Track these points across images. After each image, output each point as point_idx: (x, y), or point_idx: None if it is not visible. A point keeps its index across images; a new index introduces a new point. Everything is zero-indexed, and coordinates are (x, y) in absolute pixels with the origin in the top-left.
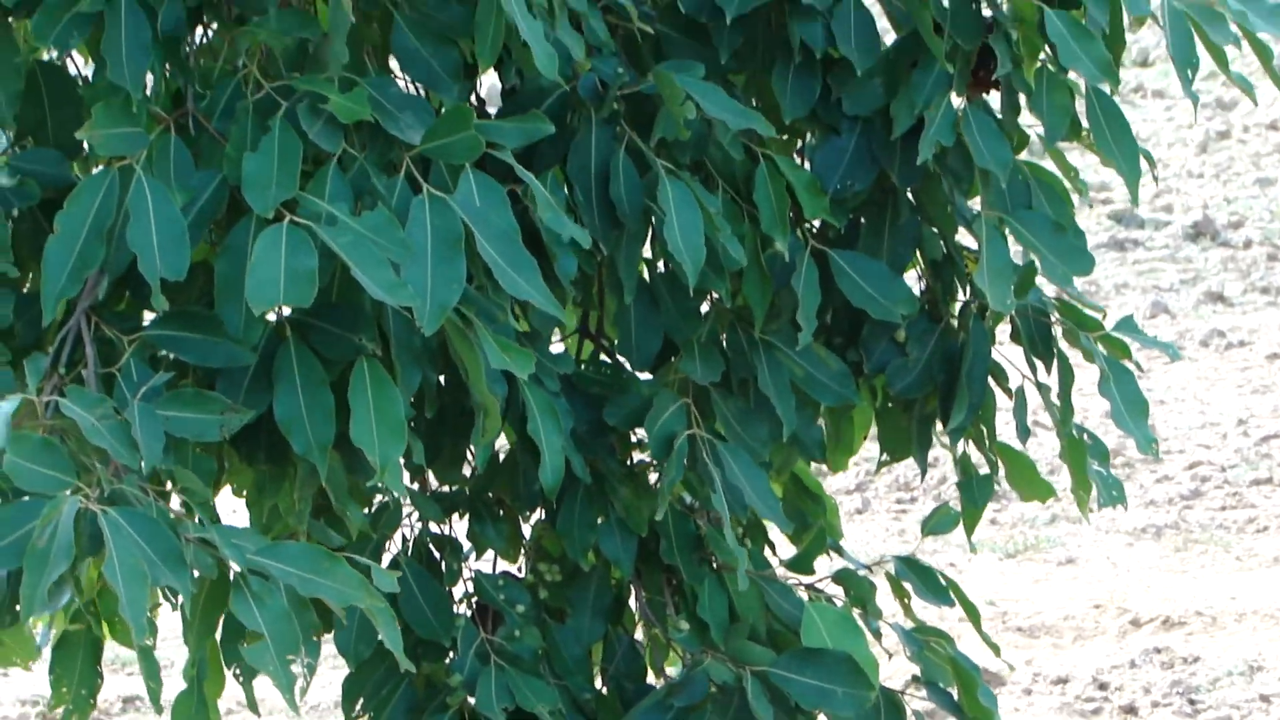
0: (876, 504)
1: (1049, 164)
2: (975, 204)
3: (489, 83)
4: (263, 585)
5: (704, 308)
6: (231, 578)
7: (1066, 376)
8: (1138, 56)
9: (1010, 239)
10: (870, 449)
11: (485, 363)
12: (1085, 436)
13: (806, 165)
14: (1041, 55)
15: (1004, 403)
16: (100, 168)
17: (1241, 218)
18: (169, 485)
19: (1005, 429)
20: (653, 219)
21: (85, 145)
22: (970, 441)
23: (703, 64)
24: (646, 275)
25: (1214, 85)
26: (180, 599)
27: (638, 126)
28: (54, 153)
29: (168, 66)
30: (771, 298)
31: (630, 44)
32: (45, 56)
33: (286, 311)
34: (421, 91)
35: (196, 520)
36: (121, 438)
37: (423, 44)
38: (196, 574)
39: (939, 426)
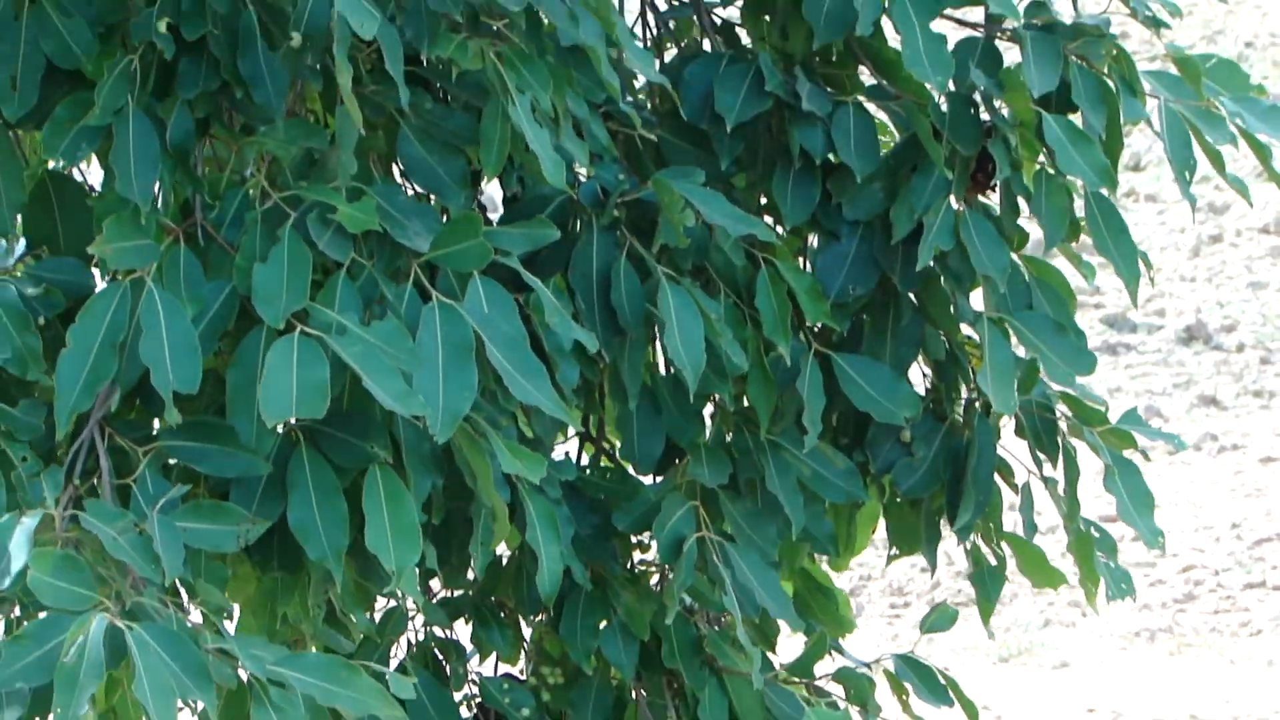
0: (870, 608)
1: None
2: (977, 298)
3: (489, 187)
4: (282, 695)
5: (707, 409)
6: (251, 687)
7: (1073, 471)
8: (1129, 161)
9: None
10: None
11: (493, 468)
12: (1092, 530)
13: (807, 265)
14: (1039, 158)
15: (1009, 497)
16: (108, 280)
17: (1234, 321)
18: (184, 594)
19: (1009, 524)
20: (655, 324)
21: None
22: (979, 536)
23: (703, 170)
24: (648, 379)
25: (1206, 189)
26: (201, 706)
27: (639, 232)
28: (75, 261)
29: (175, 176)
30: (776, 400)
31: (631, 150)
32: (53, 165)
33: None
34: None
35: (215, 631)
36: (143, 552)
37: (429, 152)
38: (217, 685)
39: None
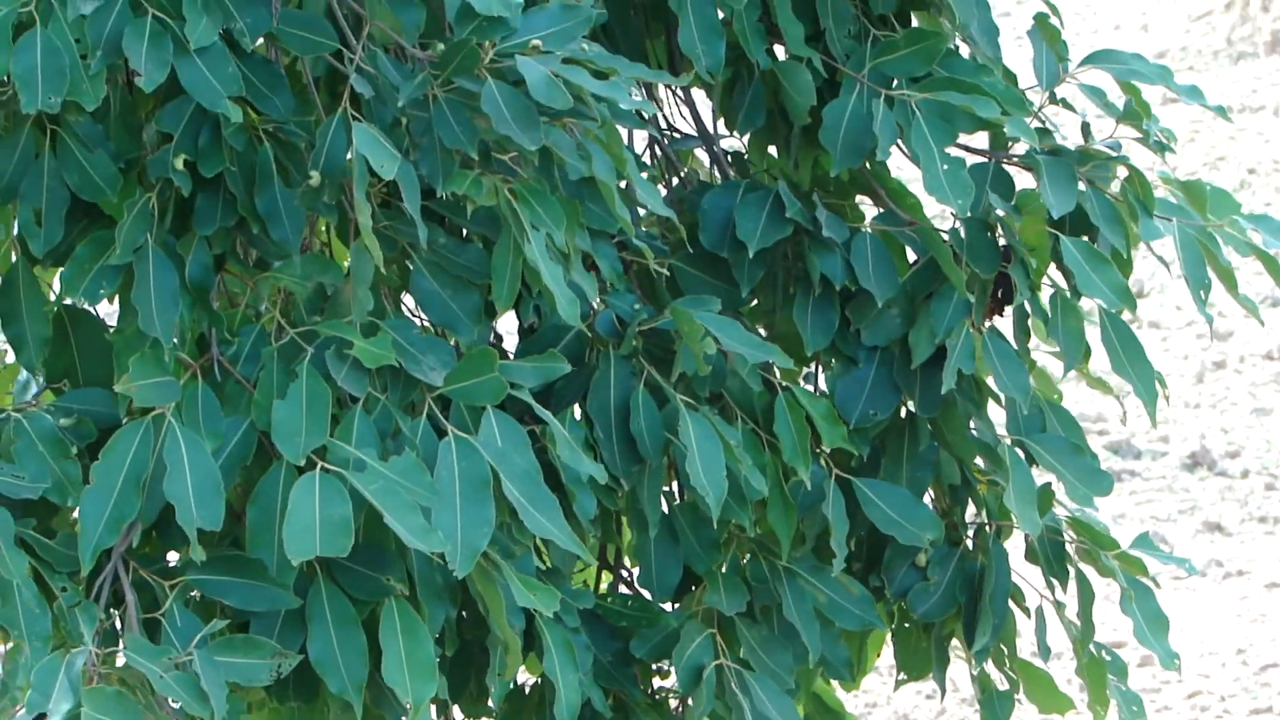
0: None
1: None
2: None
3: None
4: None
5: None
6: None
7: (1086, 594)
8: (1132, 287)
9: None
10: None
11: (507, 599)
12: (1103, 653)
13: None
14: (1049, 280)
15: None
16: (126, 416)
17: (1239, 448)
18: None
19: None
20: (674, 452)
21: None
22: (990, 659)
23: (719, 297)
24: (665, 507)
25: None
26: None
27: (656, 361)
28: (102, 392)
29: (194, 313)
30: (797, 525)
31: (646, 278)
32: (70, 301)
33: None
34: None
35: None
36: (190, 689)
37: (442, 286)
38: None
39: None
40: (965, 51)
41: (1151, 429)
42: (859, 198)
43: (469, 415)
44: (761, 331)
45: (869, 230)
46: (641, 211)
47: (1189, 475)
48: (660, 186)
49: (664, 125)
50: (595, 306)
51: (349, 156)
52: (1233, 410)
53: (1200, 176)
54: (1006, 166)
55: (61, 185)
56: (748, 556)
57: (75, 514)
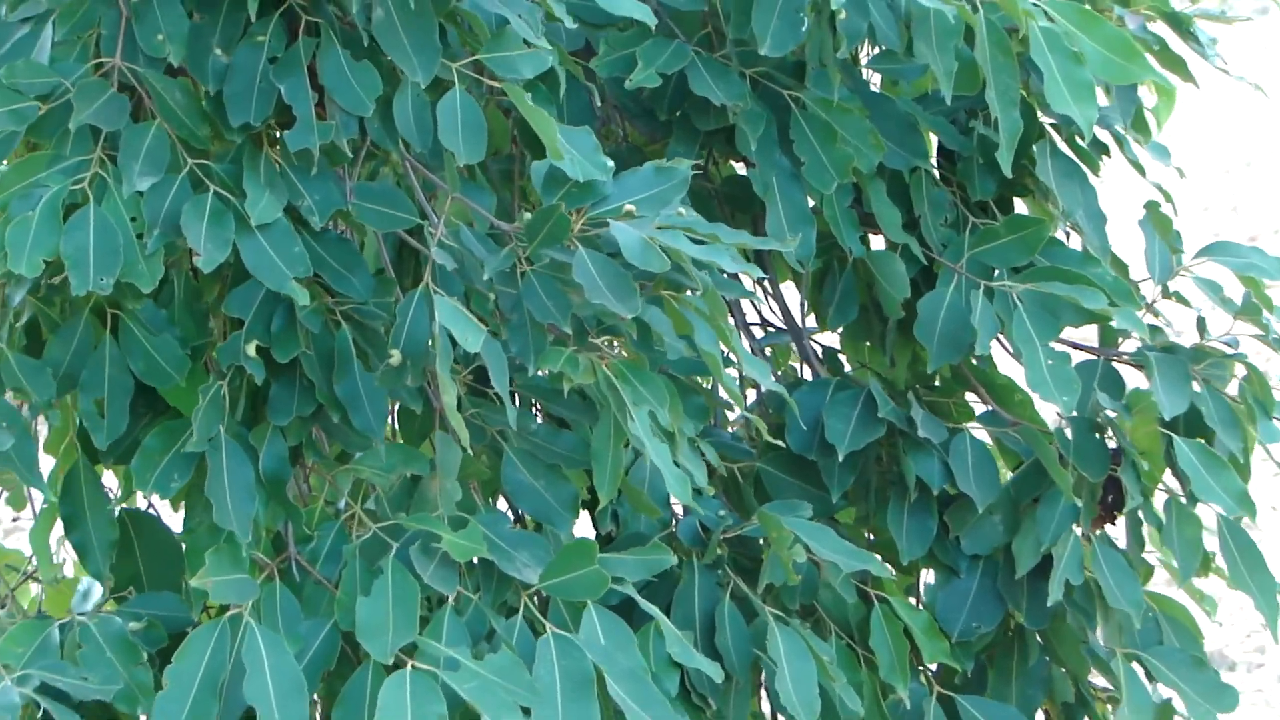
0: None
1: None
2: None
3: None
4: None
5: None
6: None
7: None
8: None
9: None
10: None
11: None
12: None
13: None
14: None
15: None
16: (198, 618)
17: None
18: None
19: None
20: (762, 669)
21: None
22: None
23: (809, 503)
24: None
25: None
26: None
27: (743, 571)
28: (172, 596)
29: (270, 508)
30: None
31: (730, 484)
32: (133, 504)
33: None
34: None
35: None
36: None
37: (535, 477)
38: None
39: None
40: (1074, 241)
41: (1247, 639)
42: (969, 395)
43: (568, 612)
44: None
45: (968, 431)
46: (731, 415)
47: None
48: (748, 390)
49: (754, 318)
50: (679, 512)
51: (432, 334)
52: None
53: None
54: (1116, 364)
55: (124, 373)
56: None
57: None
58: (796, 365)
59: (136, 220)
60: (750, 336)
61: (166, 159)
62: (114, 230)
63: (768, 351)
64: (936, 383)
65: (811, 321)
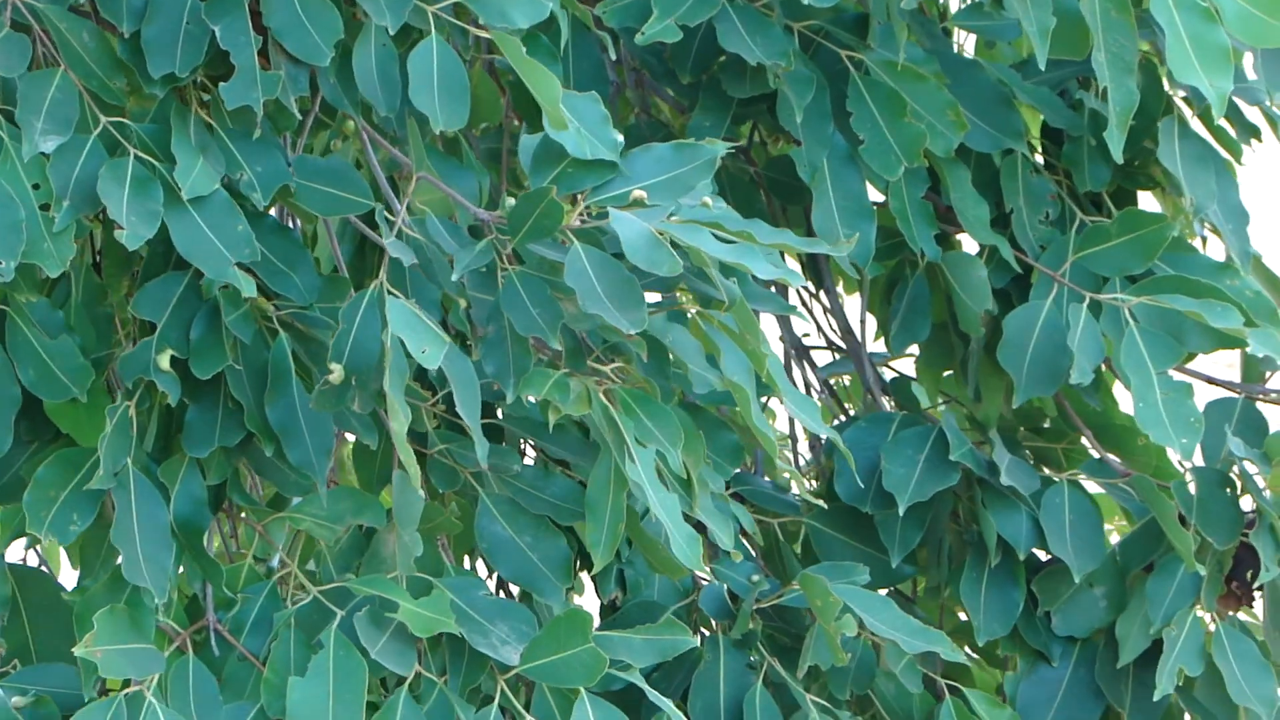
0: None
1: None
2: None
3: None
4: None
5: None
6: None
7: None
8: None
9: None
10: None
11: None
12: None
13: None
14: None
15: None
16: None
17: None
18: None
19: None
20: None
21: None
22: None
23: (866, 566)
24: None
25: None
26: None
27: (780, 651)
28: (65, 668)
29: (183, 563)
30: None
31: (770, 543)
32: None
33: None
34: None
35: None
36: None
37: (518, 532)
38: None
39: None
40: (1214, 247)
41: None
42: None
43: (556, 702)
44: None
45: (1067, 481)
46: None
47: None
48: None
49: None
50: (705, 579)
51: (384, 345)
52: None
53: None
54: (1260, 403)
55: (10, 382)
56: None
57: None
58: (870, 401)
59: (40, 188)
60: (809, 363)
61: (75, 115)
62: (12, 202)
63: (834, 383)
64: (1046, 424)
65: (880, 344)
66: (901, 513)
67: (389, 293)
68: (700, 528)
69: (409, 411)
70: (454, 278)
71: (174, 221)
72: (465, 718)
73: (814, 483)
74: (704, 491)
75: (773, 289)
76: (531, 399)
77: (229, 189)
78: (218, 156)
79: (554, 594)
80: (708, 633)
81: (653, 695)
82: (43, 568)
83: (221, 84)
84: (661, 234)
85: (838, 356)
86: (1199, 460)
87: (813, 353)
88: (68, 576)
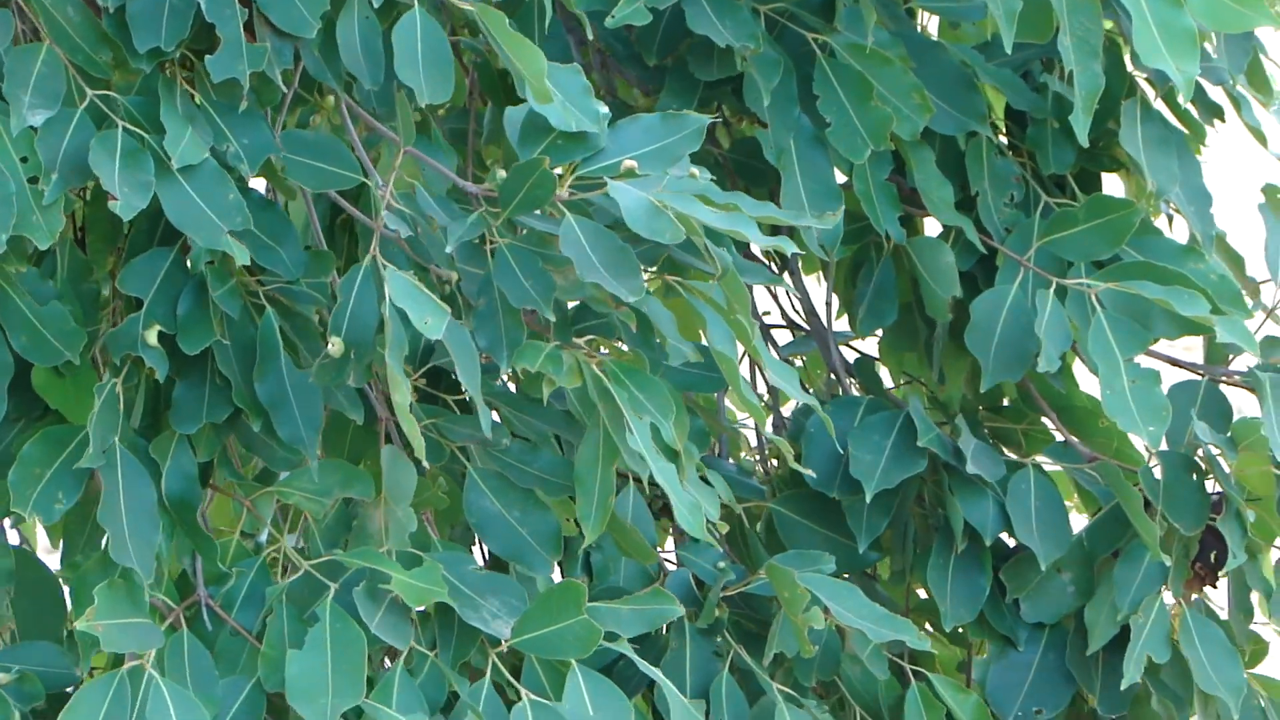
0: None
1: None
2: None
3: None
4: None
5: None
6: None
7: None
8: None
9: None
10: None
11: None
12: None
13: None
14: None
15: None
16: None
17: None
18: None
19: None
20: None
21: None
22: None
23: (833, 554)
24: None
25: None
26: None
27: (747, 637)
28: (51, 646)
29: (174, 540)
30: None
31: (735, 529)
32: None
33: None
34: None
35: None
36: None
37: (506, 506)
38: None
39: None
40: (1180, 231)
41: None
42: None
43: (547, 675)
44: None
45: (1033, 466)
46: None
47: None
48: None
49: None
50: (670, 565)
51: (381, 317)
52: None
53: None
54: (1223, 386)
55: (3, 349)
56: None
57: None
58: (833, 381)
59: (28, 161)
60: (771, 343)
61: (62, 89)
62: (1, 175)
63: (798, 362)
64: (1005, 403)
65: (844, 325)
66: (869, 500)
67: (384, 265)
68: (666, 510)
69: (408, 384)
70: (447, 249)
71: (165, 192)
72: (459, 691)
73: (776, 464)
74: (690, 464)
75: None
76: (521, 374)
77: (217, 161)
78: (205, 129)
79: (543, 568)
80: (673, 621)
81: (643, 666)
82: (24, 546)
83: (208, 56)
84: (661, 204)
85: (797, 336)
86: (1163, 446)
87: (772, 333)
88: (44, 557)
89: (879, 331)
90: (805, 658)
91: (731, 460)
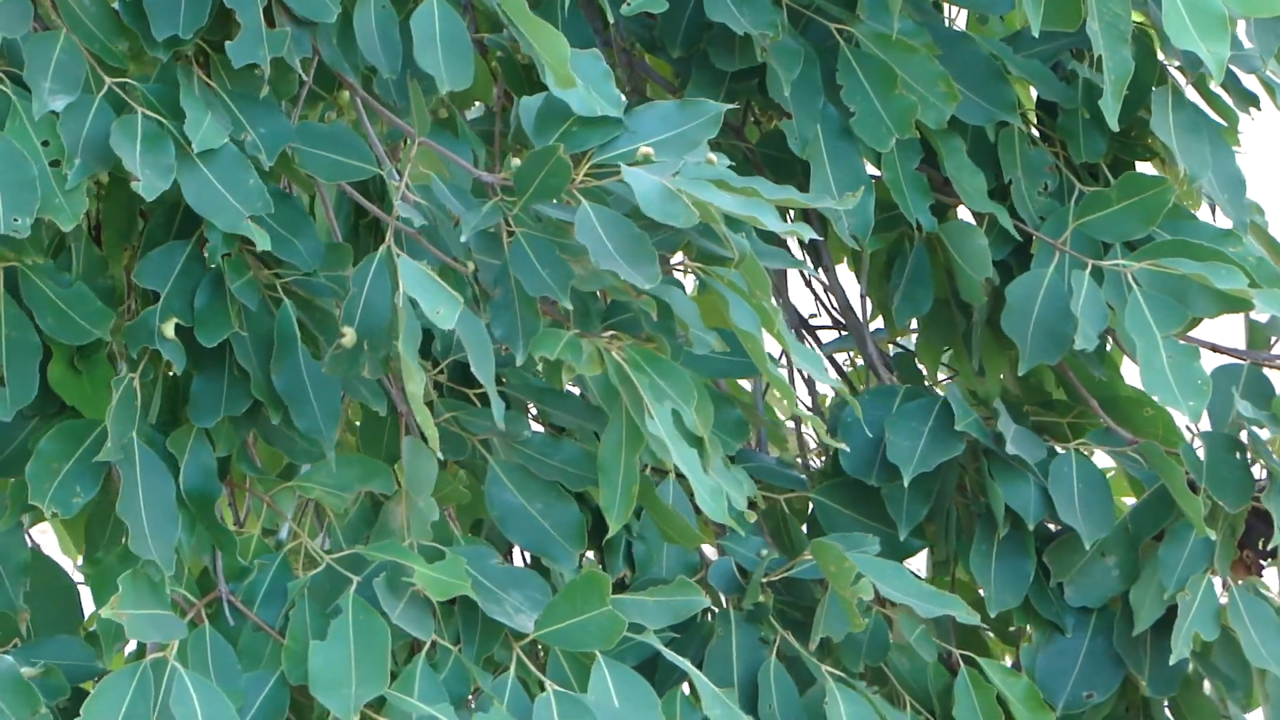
0: None
1: None
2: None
3: None
4: None
5: None
6: None
7: None
8: None
9: None
10: None
11: None
12: None
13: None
14: None
15: None
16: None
17: None
18: None
19: None
20: None
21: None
22: None
23: (876, 538)
24: None
25: None
26: None
27: (792, 625)
28: (73, 640)
29: (194, 535)
30: None
31: (776, 520)
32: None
33: None
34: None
35: None
36: None
37: (529, 499)
38: None
39: None
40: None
41: None
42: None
43: (572, 667)
44: None
45: (1075, 450)
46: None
47: None
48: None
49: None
50: (711, 555)
51: (395, 307)
52: None
53: None
54: (1266, 369)
55: (29, 330)
56: None
57: None
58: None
59: (49, 146)
60: (815, 341)
61: (81, 75)
62: (24, 159)
63: (843, 365)
64: (1051, 398)
65: (878, 323)
66: (907, 484)
67: (398, 255)
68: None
69: (422, 374)
70: (463, 239)
71: (185, 176)
72: (482, 684)
73: (818, 460)
74: (715, 452)
75: None
76: (541, 364)
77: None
78: (223, 116)
79: (567, 560)
80: (718, 609)
81: (670, 655)
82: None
83: (228, 43)
84: (677, 189)
85: (842, 334)
86: (1206, 425)
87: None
88: (55, 558)
89: (914, 327)
90: (853, 642)
91: (771, 452)
